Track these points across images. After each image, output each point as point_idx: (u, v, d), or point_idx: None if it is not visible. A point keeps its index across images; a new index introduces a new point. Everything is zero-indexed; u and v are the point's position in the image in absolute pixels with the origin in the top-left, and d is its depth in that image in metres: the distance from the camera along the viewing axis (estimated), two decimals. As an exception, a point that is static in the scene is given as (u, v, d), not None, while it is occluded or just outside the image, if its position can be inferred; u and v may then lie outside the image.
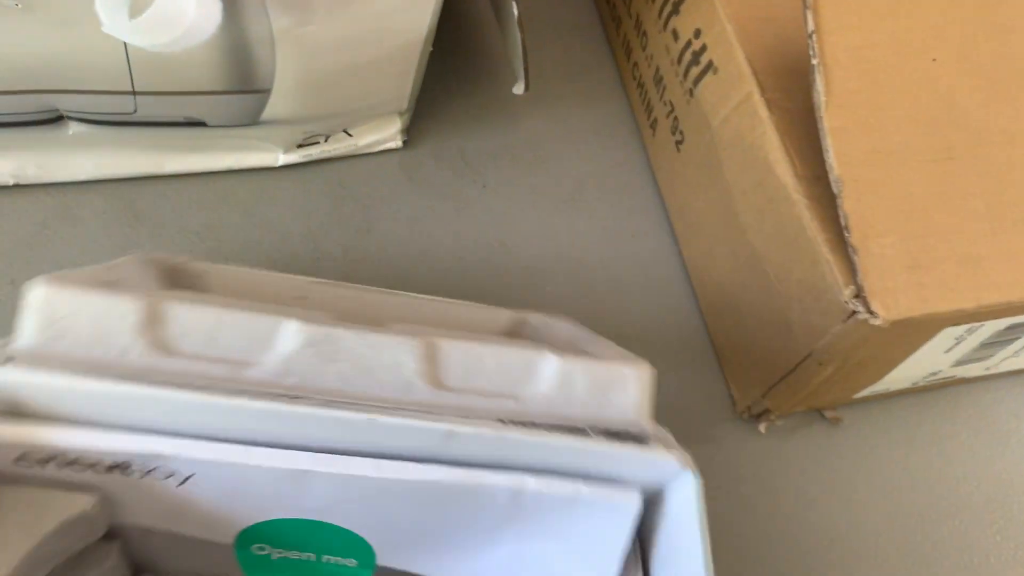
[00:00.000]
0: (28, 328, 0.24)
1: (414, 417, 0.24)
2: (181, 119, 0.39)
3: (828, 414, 0.44)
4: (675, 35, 0.43)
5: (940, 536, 0.43)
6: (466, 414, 0.25)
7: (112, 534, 0.29)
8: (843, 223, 0.34)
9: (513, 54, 0.43)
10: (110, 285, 0.25)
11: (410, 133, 0.47)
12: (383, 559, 0.28)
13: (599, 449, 0.25)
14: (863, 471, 0.44)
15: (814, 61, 0.35)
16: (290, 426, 0.24)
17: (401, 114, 0.45)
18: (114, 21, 0.30)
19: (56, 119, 0.38)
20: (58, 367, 0.23)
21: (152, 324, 0.25)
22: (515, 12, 0.40)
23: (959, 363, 0.41)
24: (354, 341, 0.26)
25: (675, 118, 0.45)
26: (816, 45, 0.35)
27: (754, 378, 0.41)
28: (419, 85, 0.44)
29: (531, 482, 0.25)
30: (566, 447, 0.25)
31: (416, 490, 0.25)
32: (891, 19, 0.37)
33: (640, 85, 0.49)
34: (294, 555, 0.29)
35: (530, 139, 0.49)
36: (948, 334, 0.37)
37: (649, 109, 0.48)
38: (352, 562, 0.29)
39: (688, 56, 0.42)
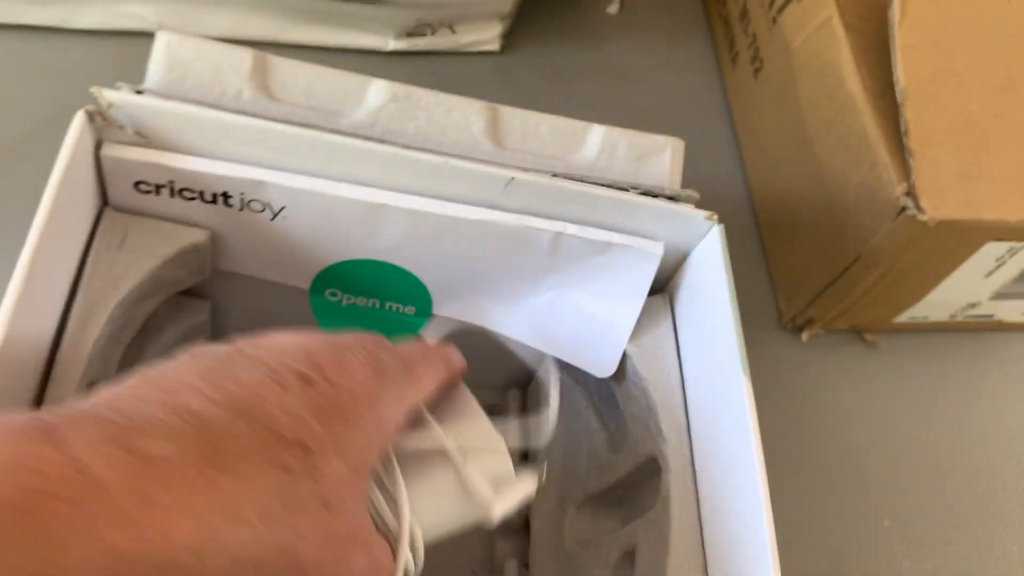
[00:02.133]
0: (156, 70, 0.28)
1: (484, 163, 0.28)
2: (312, -14, 0.44)
3: (868, 337, 0.47)
4: (765, -32, 0.47)
5: (960, 463, 0.45)
6: (522, 168, 0.28)
7: (205, 293, 0.33)
8: (903, 129, 0.37)
9: (613, -27, 0.47)
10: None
11: (507, 39, 0.51)
12: (438, 307, 0.32)
13: (634, 201, 0.28)
14: (895, 394, 0.46)
15: (892, -12, 0.39)
16: (373, 166, 0.28)
17: (502, 18, 0.49)
18: None
19: (204, -28, 0.43)
20: (181, 99, 0.27)
21: (261, 73, 0.29)
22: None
23: (998, 295, 0.44)
24: (431, 100, 0.30)
25: (756, 48, 0.48)
26: (895, -27, 0.39)
27: (803, 286, 0.44)
28: (524, -9, 0.48)
29: (571, 227, 0.29)
30: (606, 197, 0.28)
31: (473, 233, 0.29)
32: (970, -43, 0.40)
33: (725, 22, 0.52)
34: (361, 301, 0.32)
35: (616, 61, 0.53)
36: (990, 252, 0.40)
37: (731, 43, 0.51)
38: (411, 309, 0.33)
39: (775, -14, 0.46)
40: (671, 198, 0.29)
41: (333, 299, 0.33)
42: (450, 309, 0.32)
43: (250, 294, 0.32)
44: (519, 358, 0.37)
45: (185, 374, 0.20)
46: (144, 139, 0.28)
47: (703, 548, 0.27)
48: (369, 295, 0.32)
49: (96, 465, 0.16)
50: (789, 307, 0.46)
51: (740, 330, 0.27)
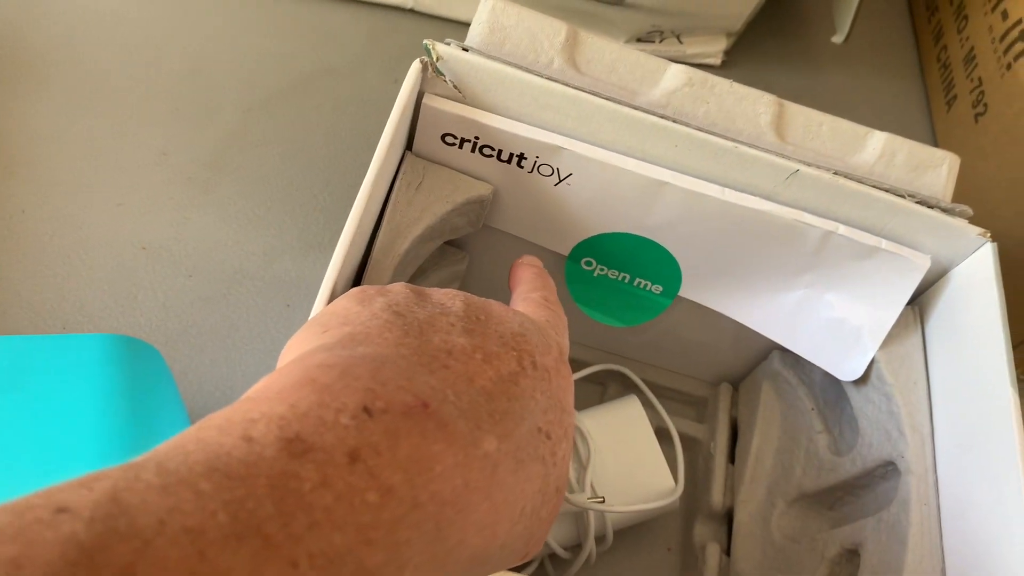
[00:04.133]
0: (479, 31, 0.30)
1: (770, 153, 0.29)
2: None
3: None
4: (1004, 15, 0.47)
5: None
6: (805, 162, 0.30)
7: (466, 245, 0.35)
8: None
9: (845, 8, 0.48)
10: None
11: (728, 55, 0.52)
12: (686, 290, 0.34)
13: (910, 208, 0.29)
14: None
15: None
16: (663, 144, 0.30)
17: (729, 35, 0.51)
18: None
19: (469, -43, 0.46)
20: (501, 60, 0.30)
21: (571, 46, 0.31)
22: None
23: None
24: (724, 88, 0.31)
25: (980, 92, 0.48)
26: None
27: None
28: (756, 12, 0.49)
29: (842, 228, 0.30)
30: (883, 200, 0.29)
31: (745, 220, 0.30)
32: None
33: (944, 66, 0.53)
34: (612, 274, 0.34)
35: (828, 90, 0.54)
36: None
37: (949, 86, 0.52)
38: (658, 288, 0.34)
39: (1014, 35, 0.46)
40: (946, 211, 0.30)
41: (587, 268, 0.34)
42: (697, 293, 0.34)
43: (508, 252, 0.35)
44: (739, 353, 0.38)
45: (467, 352, 0.19)
46: (460, 94, 0.30)
47: (942, 552, 0.27)
48: (622, 268, 0.34)
49: (469, 473, 0.17)
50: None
51: (1010, 347, 0.28)
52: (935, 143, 0.52)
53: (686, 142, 0.30)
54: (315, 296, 0.24)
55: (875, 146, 0.31)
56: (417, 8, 0.48)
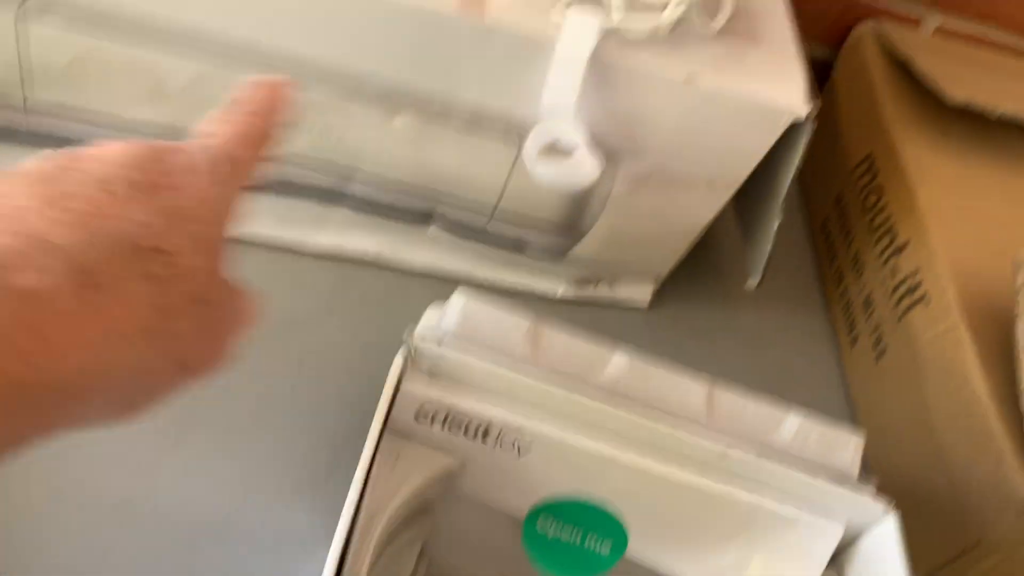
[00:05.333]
0: (451, 321, 0.35)
1: (702, 436, 0.34)
2: (510, 243, 0.52)
3: (973, 614, 0.50)
4: (894, 271, 0.54)
5: None
6: (732, 444, 0.34)
7: (432, 509, 0.38)
8: (1029, 435, 0.43)
9: (758, 254, 0.55)
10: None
11: (655, 298, 0.58)
12: (632, 550, 0.37)
13: (823, 485, 0.34)
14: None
15: (1017, 310, 0.45)
16: (611, 426, 0.34)
17: (656, 280, 0.57)
18: (535, 162, 0.42)
19: (425, 220, 0.51)
20: (475, 353, 0.34)
21: (533, 336, 0.36)
22: (776, 224, 0.52)
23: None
24: (661, 373, 0.36)
25: (879, 335, 0.55)
26: (1021, 298, 0.45)
27: (918, 565, 0.49)
28: (679, 260, 0.55)
29: (767, 501, 0.34)
30: (800, 480, 0.34)
31: (683, 494, 0.34)
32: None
33: (846, 307, 0.59)
34: (565, 535, 0.37)
35: (744, 328, 0.60)
36: (1101, 554, 0.44)
37: (851, 326, 0.58)
38: (607, 548, 0.37)
39: (904, 289, 0.53)
40: (853, 486, 0.35)
41: (541, 530, 0.38)
42: (642, 554, 0.37)
43: (471, 514, 0.37)
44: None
45: (22, 197, 0.19)
46: (434, 377, 0.34)
47: None
48: (574, 528, 0.37)
49: None
50: (903, 577, 0.50)
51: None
52: (844, 380, 0.58)
53: (630, 426, 0.34)
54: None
55: (791, 427, 0.36)
56: (378, 259, 0.53)
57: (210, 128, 0.25)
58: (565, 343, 0.36)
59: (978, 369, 0.46)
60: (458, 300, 0.35)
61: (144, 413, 0.22)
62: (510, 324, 0.35)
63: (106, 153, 0.21)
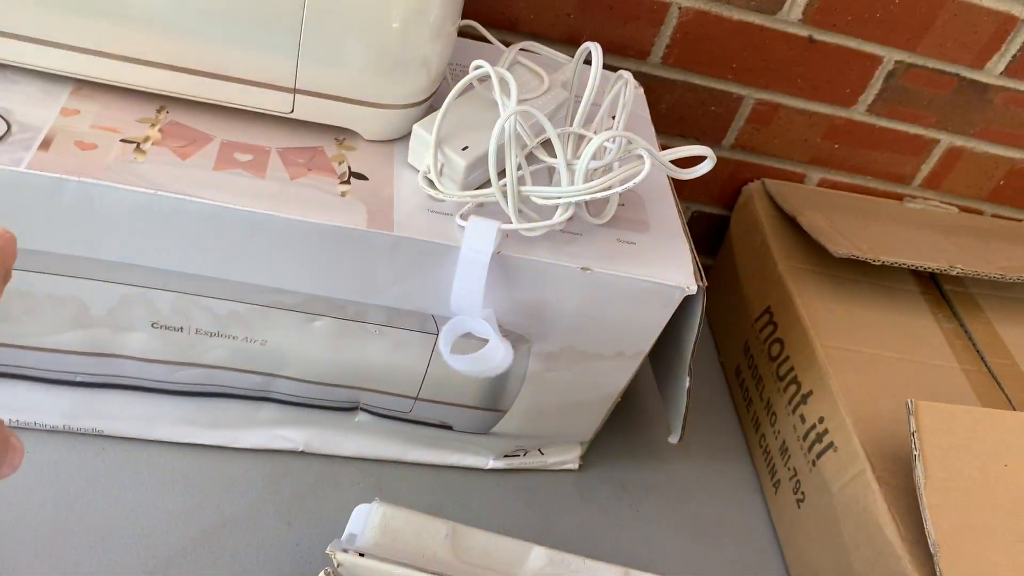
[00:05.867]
0: (372, 536, 0.36)
1: None
2: (436, 422, 0.53)
3: None
4: (802, 419, 0.57)
5: None
6: None
7: None
8: (939, 577, 0.45)
9: (675, 414, 0.57)
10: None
11: (584, 459, 0.60)
12: None
13: None
14: None
15: (915, 452, 0.48)
16: None
17: (583, 443, 0.59)
18: (450, 356, 0.45)
19: (352, 409, 0.52)
20: (396, 563, 0.35)
21: (451, 539, 0.37)
22: (687, 385, 0.55)
23: None
24: (579, 564, 0.37)
25: (797, 481, 0.57)
26: (917, 441, 0.48)
27: None
28: (602, 424, 0.57)
29: None
30: None
31: None
32: (973, 430, 0.50)
33: (766, 452, 0.62)
34: None
35: (673, 480, 0.62)
36: None
37: (773, 471, 0.60)
38: None
39: (813, 436, 0.56)
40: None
41: None
42: None
43: None
44: None
45: None
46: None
47: None
48: None
49: None
50: None
51: None
52: (772, 524, 0.60)
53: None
54: None
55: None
56: (307, 450, 0.54)
57: None
58: (485, 540, 0.37)
59: (887, 515, 0.48)
60: (378, 512, 0.37)
61: None
62: (431, 529, 0.37)
63: None
